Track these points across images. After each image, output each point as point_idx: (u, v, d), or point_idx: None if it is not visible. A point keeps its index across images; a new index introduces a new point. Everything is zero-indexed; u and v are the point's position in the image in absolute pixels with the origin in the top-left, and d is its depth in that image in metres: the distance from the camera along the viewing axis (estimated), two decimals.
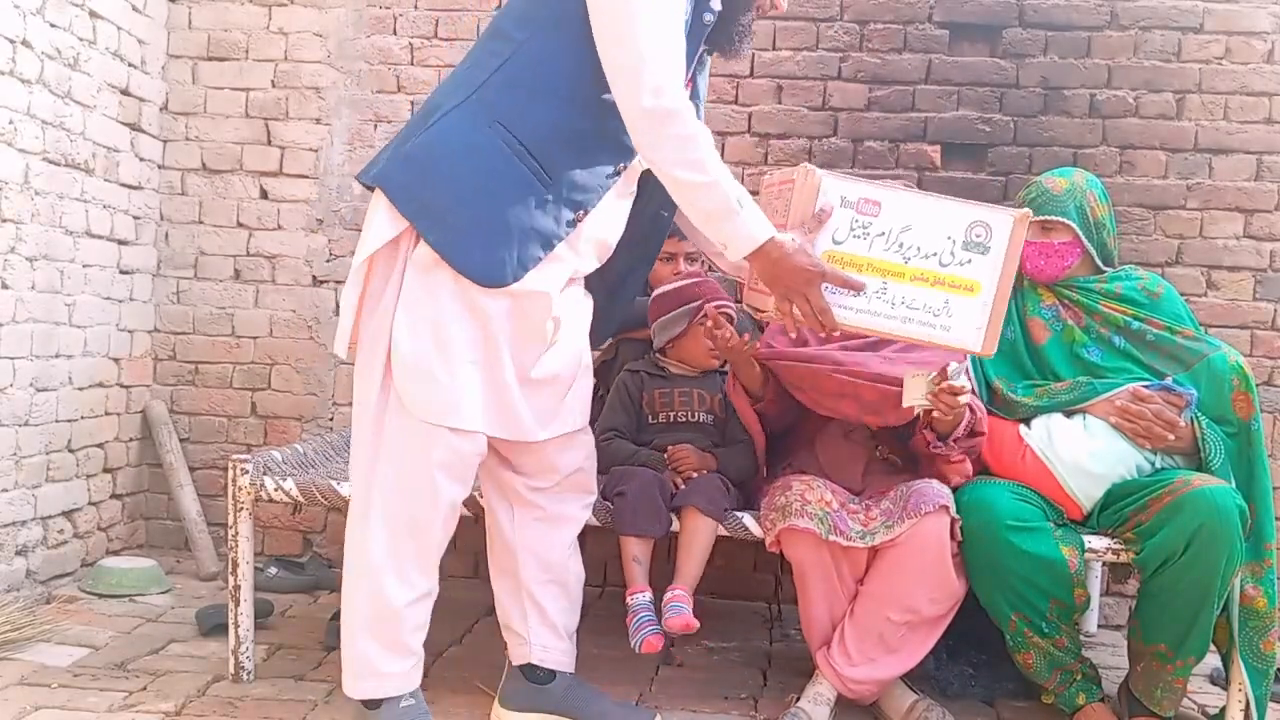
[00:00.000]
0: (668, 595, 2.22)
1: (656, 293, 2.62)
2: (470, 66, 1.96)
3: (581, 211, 1.93)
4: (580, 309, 2.07)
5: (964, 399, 2.12)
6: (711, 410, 2.55)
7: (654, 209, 2.14)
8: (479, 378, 1.92)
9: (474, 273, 1.86)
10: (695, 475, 2.37)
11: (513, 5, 1.98)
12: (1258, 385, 2.33)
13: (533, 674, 2.14)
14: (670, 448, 2.44)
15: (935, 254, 1.96)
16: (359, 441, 1.99)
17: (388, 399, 1.93)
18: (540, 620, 2.12)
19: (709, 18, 1.92)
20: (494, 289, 1.87)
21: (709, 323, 2.35)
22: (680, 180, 1.82)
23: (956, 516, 2.18)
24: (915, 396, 2.12)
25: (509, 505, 2.13)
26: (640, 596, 2.22)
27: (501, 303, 1.89)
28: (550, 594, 2.13)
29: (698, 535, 2.28)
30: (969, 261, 1.96)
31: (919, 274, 1.96)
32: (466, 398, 1.90)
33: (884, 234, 1.95)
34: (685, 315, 2.54)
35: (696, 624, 2.17)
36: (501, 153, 1.87)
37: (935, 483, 2.23)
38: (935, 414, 2.14)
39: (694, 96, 2.03)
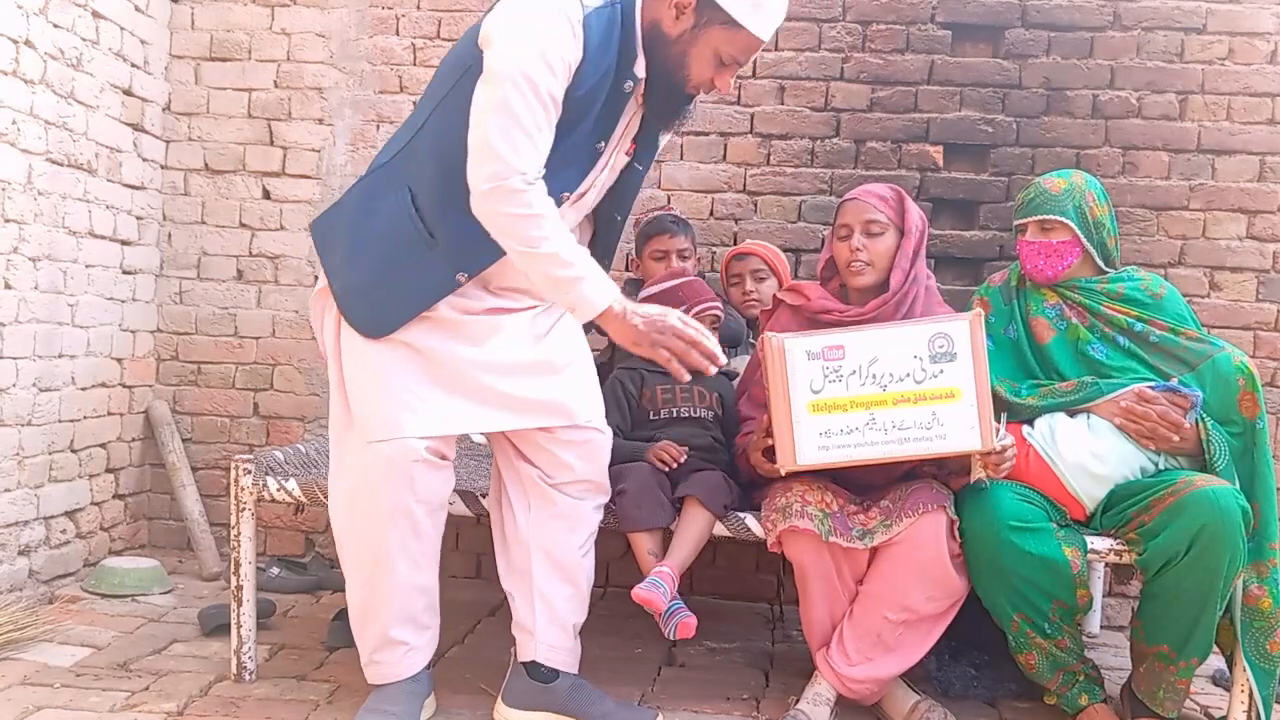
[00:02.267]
0: (654, 569, 2.22)
1: (642, 295, 2.61)
2: (404, 125, 2.08)
3: (464, 274, 1.98)
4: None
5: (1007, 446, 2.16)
6: (711, 406, 2.55)
7: (610, 211, 2.18)
8: (423, 381, 1.97)
9: (355, 324, 2.00)
10: (700, 470, 2.38)
11: (438, 71, 2.05)
12: (1261, 386, 2.32)
13: (536, 672, 2.16)
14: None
15: (908, 374, 2.09)
16: (333, 456, 2.10)
17: (349, 418, 2.03)
18: (549, 619, 2.15)
19: (630, 85, 1.96)
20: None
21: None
22: (518, 252, 1.88)
23: (954, 518, 2.19)
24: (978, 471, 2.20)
25: (526, 501, 2.15)
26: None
27: (414, 327, 1.99)
28: (562, 594, 2.16)
29: (694, 524, 2.29)
30: (941, 372, 2.09)
31: (900, 397, 2.09)
32: (410, 407, 1.95)
33: (855, 371, 2.10)
34: None
35: (662, 604, 2.14)
36: (399, 215, 1.97)
37: (935, 483, 2.24)
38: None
39: (637, 160, 2.12)
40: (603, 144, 2.00)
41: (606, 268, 2.22)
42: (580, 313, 1.91)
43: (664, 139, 2.20)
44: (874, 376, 2.09)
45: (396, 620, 2.06)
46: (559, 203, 1.94)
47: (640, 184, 2.22)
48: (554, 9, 1.84)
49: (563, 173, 1.95)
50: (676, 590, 2.21)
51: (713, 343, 1.94)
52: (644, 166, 2.16)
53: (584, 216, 2.15)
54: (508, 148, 1.81)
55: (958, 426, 2.08)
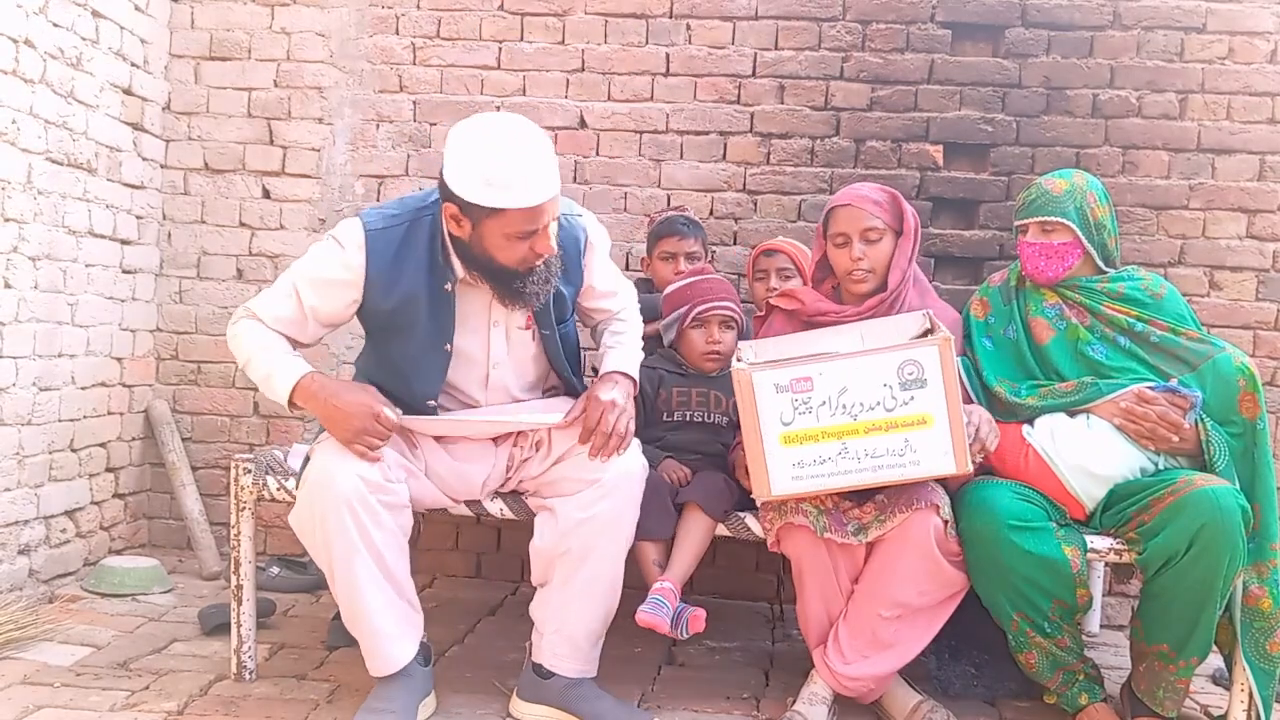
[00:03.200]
0: (655, 586, 2.25)
1: (666, 292, 2.65)
2: None
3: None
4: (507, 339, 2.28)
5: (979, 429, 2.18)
6: (726, 412, 2.55)
7: (557, 358, 2.34)
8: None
9: None
10: (699, 472, 2.38)
11: None
12: (1262, 386, 2.32)
13: (539, 669, 2.22)
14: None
15: (879, 403, 2.08)
16: None
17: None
18: (557, 630, 2.20)
19: (449, 285, 2.15)
20: None
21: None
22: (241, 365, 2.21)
23: (947, 518, 2.19)
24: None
25: (545, 524, 2.22)
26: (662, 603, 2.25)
27: None
28: (574, 608, 2.19)
29: (694, 533, 2.31)
30: (912, 399, 2.07)
31: (871, 425, 2.08)
32: None
33: (825, 402, 2.09)
34: (676, 321, 2.56)
35: (667, 625, 2.19)
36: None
37: (931, 482, 2.23)
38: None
39: (541, 328, 2.27)
40: (449, 346, 2.19)
41: (570, 376, 2.38)
42: (278, 395, 2.12)
43: (567, 293, 2.28)
44: (844, 407, 2.08)
45: (376, 610, 2.10)
46: (429, 408, 2.21)
47: (565, 337, 2.35)
48: (334, 237, 2.15)
49: (420, 379, 2.20)
50: (679, 598, 2.24)
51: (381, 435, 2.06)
52: (550, 331, 2.28)
53: (542, 368, 2.36)
54: (260, 296, 2.20)
55: (931, 452, 2.07)
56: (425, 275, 2.14)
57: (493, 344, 2.24)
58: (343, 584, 2.10)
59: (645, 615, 2.19)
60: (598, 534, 2.16)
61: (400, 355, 2.19)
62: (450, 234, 2.11)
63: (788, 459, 2.09)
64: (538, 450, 2.29)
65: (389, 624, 2.12)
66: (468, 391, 2.28)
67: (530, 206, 2.00)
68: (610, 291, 2.39)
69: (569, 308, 2.32)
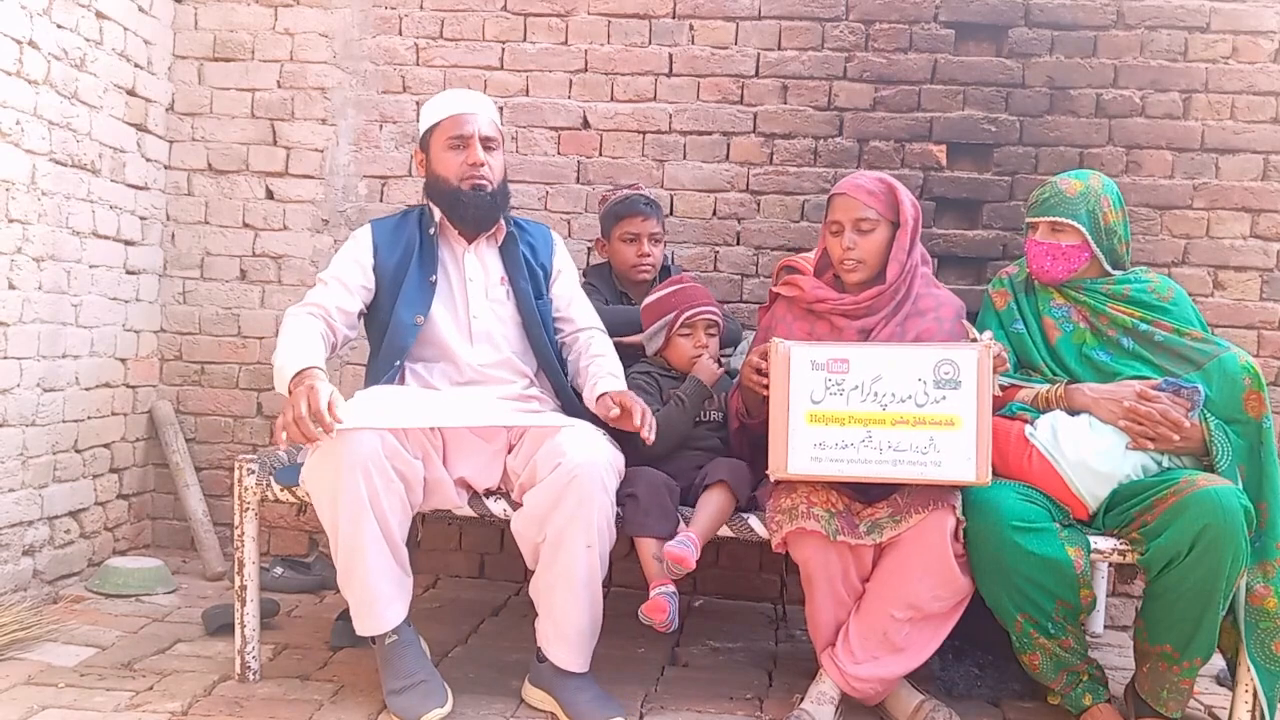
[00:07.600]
0: (682, 533, 2.25)
1: (644, 304, 2.66)
2: None
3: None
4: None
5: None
6: (721, 409, 2.57)
7: (539, 340, 2.54)
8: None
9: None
10: (722, 457, 2.41)
11: None
12: (1266, 385, 2.32)
13: (539, 650, 2.29)
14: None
15: (910, 396, 2.09)
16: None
17: None
18: (546, 614, 2.26)
19: (432, 228, 2.52)
20: None
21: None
22: None
23: (962, 518, 2.18)
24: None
25: (521, 508, 2.26)
26: (666, 588, 2.26)
27: None
28: (560, 598, 2.22)
29: (719, 502, 2.32)
30: (944, 398, 2.08)
31: (899, 418, 2.09)
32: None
33: (858, 387, 2.10)
34: (663, 329, 2.58)
35: (693, 563, 2.20)
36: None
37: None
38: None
39: (514, 286, 2.52)
40: (434, 277, 2.49)
41: (556, 381, 2.54)
42: (283, 381, 2.20)
43: (540, 272, 2.58)
44: (875, 394, 2.09)
45: (375, 570, 2.16)
46: (415, 325, 2.44)
47: (548, 311, 2.58)
48: (353, 235, 2.57)
49: (413, 303, 2.47)
50: (699, 552, 2.24)
51: (317, 420, 2.06)
52: (525, 285, 2.52)
53: (523, 342, 2.54)
54: (315, 290, 2.47)
55: (954, 455, 2.07)
56: (416, 230, 2.55)
57: (471, 296, 2.50)
58: (345, 541, 2.14)
59: (676, 549, 2.19)
60: (568, 521, 2.18)
61: (398, 302, 2.45)
62: (427, 188, 2.54)
63: (811, 438, 2.10)
64: (523, 442, 2.35)
65: (386, 585, 2.18)
66: (458, 349, 2.46)
67: (455, 113, 2.46)
68: (572, 296, 2.64)
69: (543, 285, 2.59)
